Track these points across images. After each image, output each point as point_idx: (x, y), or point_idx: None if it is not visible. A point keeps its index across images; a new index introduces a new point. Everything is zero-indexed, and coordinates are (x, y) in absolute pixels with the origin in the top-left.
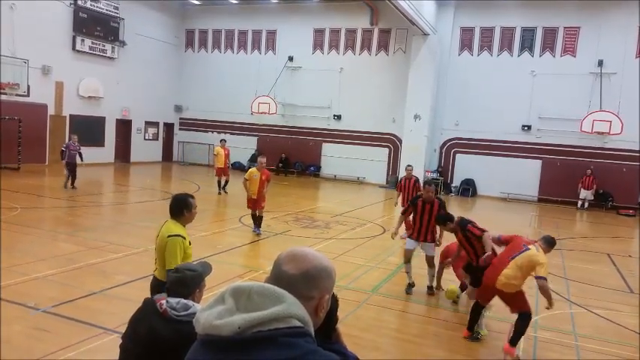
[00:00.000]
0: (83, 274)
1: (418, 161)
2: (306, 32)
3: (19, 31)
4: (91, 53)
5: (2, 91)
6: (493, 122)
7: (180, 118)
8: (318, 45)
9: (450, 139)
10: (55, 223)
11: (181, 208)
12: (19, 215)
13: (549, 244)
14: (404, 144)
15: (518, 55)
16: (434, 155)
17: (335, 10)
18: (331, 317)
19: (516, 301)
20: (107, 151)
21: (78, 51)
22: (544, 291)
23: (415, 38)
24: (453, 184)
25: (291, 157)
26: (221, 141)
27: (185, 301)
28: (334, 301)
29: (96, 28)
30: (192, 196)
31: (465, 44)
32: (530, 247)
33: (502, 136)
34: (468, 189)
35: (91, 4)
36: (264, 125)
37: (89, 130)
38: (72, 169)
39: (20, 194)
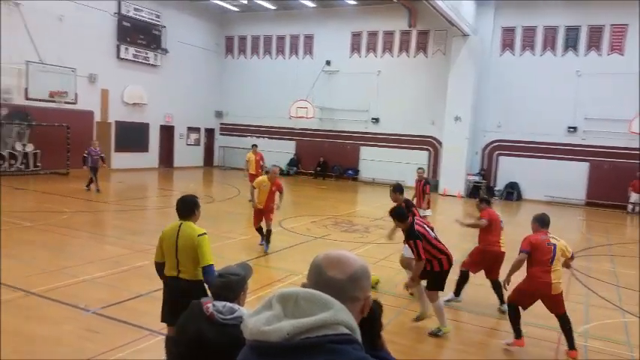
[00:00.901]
0: (130, 276)
1: (459, 164)
2: (344, 36)
3: (67, 40)
4: (134, 61)
5: (52, 99)
6: (537, 124)
7: (221, 124)
8: (355, 48)
9: (493, 142)
10: (102, 226)
11: (192, 208)
12: (68, 219)
13: (545, 223)
14: (444, 146)
15: (562, 55)
16: (475, 158)
17: (372, 12)
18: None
19: (561, 301)
20: (151, 157)
21: (122, 59)
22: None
23: (455, 39)
24: (497, 188)
25: (329, 160)
26: (253, 146)
27: (230, 304)
28: (378, 307)
29: (139, 37)
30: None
31: (507, 44)
32: (553, 241)
33: (547, 138)
34: (512, 193)
35: (134, 13)
36: (302, 129)
37: (134, 136)
38: (94, 173)
39: (69, 198)
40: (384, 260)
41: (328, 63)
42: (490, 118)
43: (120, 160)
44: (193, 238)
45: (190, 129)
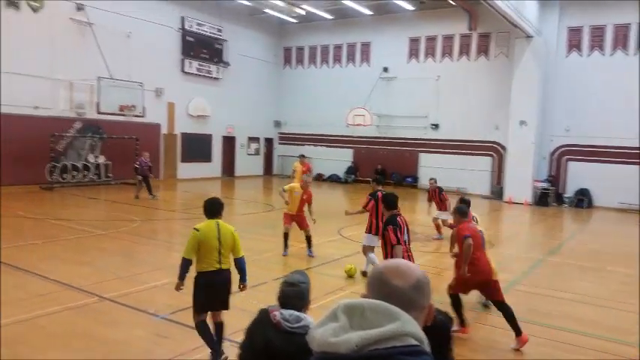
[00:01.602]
0: None
1: (525, 170)
2: (401, 42)
3: (135, 57)
4: (198, 75)
5: (122, 112)
6: (609, 127)
7: (279, 133)
8: (413, 54)
9: (561, 146)
10: (170, 234)
11: (220, 209)
12: (138, 227)
13: (465, 213)
14: (509, 152)
15: (635, 54)
16: (543, 163)
17: (431, 17)
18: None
19: (499, 288)
20: (214, 166)
21: (186, 73)
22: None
23: (518, 41)
24: (566, 195)
25: (387, 168)
26: (300, 156)
27: (297, 313)
28: (448, 320)
29: (202, 51)
30: None
31: (573, 45)
32: (480, 228)
33: (619, 141)
34: (583, 200)
35: (197, 29)
36: (359, 137)
37: (198, 146)
38: (146, 181)
39: (138, 207)
40: (446, 271)
41: (386, 70)
42: (557, 121)
43: (185, 170)
44: (232, 233)
45: (250, 139)
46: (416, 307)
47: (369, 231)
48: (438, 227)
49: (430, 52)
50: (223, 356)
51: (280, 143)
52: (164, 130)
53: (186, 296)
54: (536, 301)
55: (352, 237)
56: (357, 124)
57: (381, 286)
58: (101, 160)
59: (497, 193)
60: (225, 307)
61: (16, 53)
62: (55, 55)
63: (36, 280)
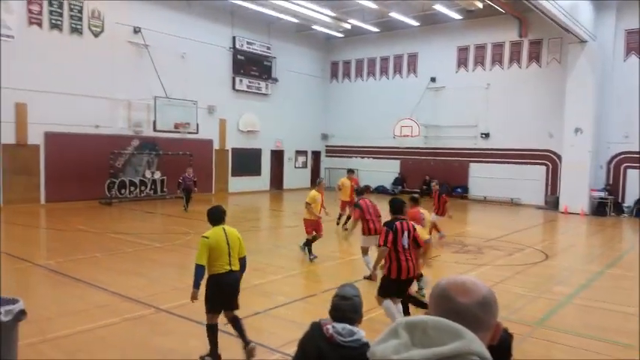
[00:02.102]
0: (248, 294)
1: (581, 179)
2: (449, 51)
3: (189, 76)
4: (247, 91)
5: (177, 129)
6: None
7: (326, 146)
8: (462, 63)
9: (619, 154)
10: None
11: (223, 216)
12: (192, 239)
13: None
14: (564, 160)
15: None
16: (600, 172)
17: (479, 25)
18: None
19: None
20: (263, 180)
21: (237, 90)
22: None
23: (571, 47)
24: (626, 204)
25: (435, 179)
26: (348, 172)
27: (350, 326)
28: (509, 336)
29: (252, 68)
30: None
31: (632, 48)
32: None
33: None
34: None
35: (247, 47)
36: (406, 148)
37: (248, 161)
38: (187, 195)
39: (192, 220)
40: (500, 283)
41: (433, 80)
42: (615, 128)
43: (235, 184)
44: (238, 236)
45: (298, 152)
46: (482, 326)
47: (363, 232)
48: (437, 228)
49: (479, 60)
50: (251, 344)
51: (327, 156)
52: (216, 146)
53: (241, 308)
54: (594, 315)
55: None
56: (405, 135)
57: (444, 304)
58: (157, 175)
59: (552, 203)
60: (237, 306)
61: (80, 76)
62: (115, 76)
63: (96, 292)
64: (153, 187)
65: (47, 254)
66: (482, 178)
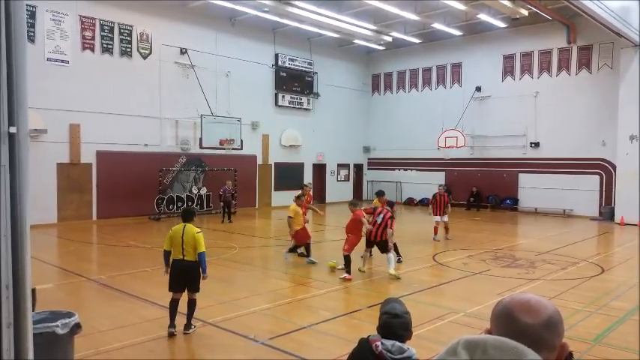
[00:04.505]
0: (293, 308)
1: (638, 188)
2: (495, 60)
3: (233, 94)
4: (290, 107)
5: (222, 146)
6: None
7: (369, 159)
8: (508, 71)
9: None
10: (265, 260)
11: (193, 215)
12: (237, 254)
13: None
14: (619, 169)
15: None
16: None
17: (525, 33)
18: None
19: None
20: None
21: (279, 106)
22: None
23: (623, 51)
24: None
25: (482, 190)
26: (378, 194)
27: (399, 344)
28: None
29: (294, 84)
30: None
31: None
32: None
33: None
34: None
35: (289, 64)
36: (451, 159)
37: (290, 175)
38: (227, 208)
39: (237, 235)
40: (555, 299)
41: (478, 89)
42: None
43: (278, 198)
44: (194, 234)
45: (340, 165)
46: (547, 347)
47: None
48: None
49: (526, 68)
50: (192, 329)
51: (369, 168)
52: (259, 161)
53: (286, 323)
54: None
55: (448, 263)
56: (449, 146)
57: (508, 323)
58: (203, 191)
59: (606, 214)
60: (191, 289)
61: (130, 97)
62: (163, 96)
63: (146, 306)
64: (199, 202)
65: (99, 269)
66: (532, 189)
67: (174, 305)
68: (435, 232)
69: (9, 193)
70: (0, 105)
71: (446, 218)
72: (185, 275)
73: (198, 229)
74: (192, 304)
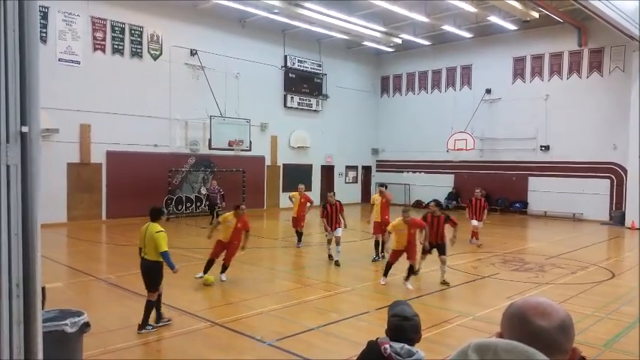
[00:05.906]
0: (300, 310)
1: None
2: (505, 62)
3: (242, 95)
4: (299, 108)
5: (230, 147)
6: None
7: (377, 161)
8: (518, 74)
9: None
10: (273, 261)
11: (159, 214)
12: (246, 254)
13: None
14: (630, 173)
15: None
16: None
17: (536, 35)
18: None
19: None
20: (313, 195)
21: (288, 107)
22: None
23: (636, 54)
24: None
25: (492, 193)
26: (379, 186)
27: (408, 346)
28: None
29: (303, 86)
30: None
31: None
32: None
33: None
34: None
35: (298, 65)
36: (460, 162)
37: (298, 176)
38: (212, 207)
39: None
40: (564, 303)
41: (488, 91)
42: None
43: (286, 199)
44: (153, 234)
45: (348, 167)
46: (560, 351)
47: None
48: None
49: (537, 71)
50: (147, 330)
51: (378, 170)
52: (268, 162)
53: (294, 324)
54: None
55: (458, 267)
56: (459, 149)
57: (521, 326)
58: None
59: (617, 218)
60: (148, 288)
61: (140, 97)
62: (173, 97)
63: None
64: (207, 203)
65: (108, 268)
66: (542, 193)
67: (148, 303)
68: (474, 237)
69: (20, 192)
70: (12, 104)
71: (481, 224)
72: (144, 274)
73: (160, 229)
74: (147, 305)
